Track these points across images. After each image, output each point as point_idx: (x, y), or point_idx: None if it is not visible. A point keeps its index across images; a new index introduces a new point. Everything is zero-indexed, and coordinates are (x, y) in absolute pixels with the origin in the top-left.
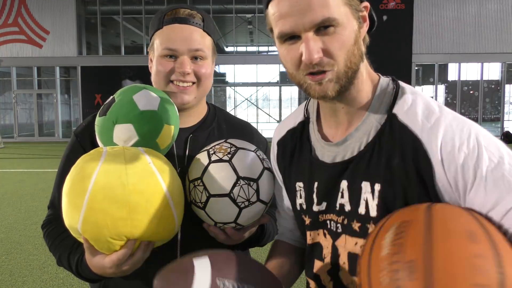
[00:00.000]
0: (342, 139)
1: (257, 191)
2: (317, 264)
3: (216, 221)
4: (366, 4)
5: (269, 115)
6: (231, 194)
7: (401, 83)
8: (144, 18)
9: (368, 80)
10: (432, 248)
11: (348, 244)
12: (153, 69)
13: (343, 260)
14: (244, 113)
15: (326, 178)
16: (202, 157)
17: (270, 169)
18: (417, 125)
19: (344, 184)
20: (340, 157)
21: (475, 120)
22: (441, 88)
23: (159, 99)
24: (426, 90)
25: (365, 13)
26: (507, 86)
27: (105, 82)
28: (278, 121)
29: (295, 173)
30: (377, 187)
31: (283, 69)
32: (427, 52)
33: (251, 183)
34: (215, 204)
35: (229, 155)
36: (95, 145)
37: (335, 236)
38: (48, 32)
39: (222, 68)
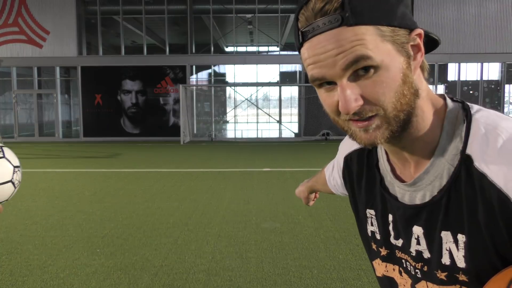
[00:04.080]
0: (412, 181)
1: None
2: None
3: None
4: (419, 31)
5: (269, 115)
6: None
7: (475, 111)
8: (144, 18)
9: (431, 112)
10: None
11: None
12: None
13: None
14: (244, 113)
15: (400, 216)
16: None
17: None
18: (498, 175)
19: (418, 230)
20: (409, 199)
21: None
22: (441, 88)
23: None
24: None
25: (419, 41)
26: (507, 86)
27: (105, 82)
28: (278, 121)
29: (365, 199)
30: (461, 238)
31: (283, 69)
32: (427, 52)
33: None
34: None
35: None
36: None
37: (414, 278)
38: (48, 32)
39: (222, 68)
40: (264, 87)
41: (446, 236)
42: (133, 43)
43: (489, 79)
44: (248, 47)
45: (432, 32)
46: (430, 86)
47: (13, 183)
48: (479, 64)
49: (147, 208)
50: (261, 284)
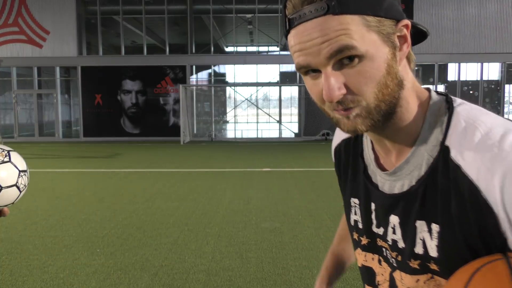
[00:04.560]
0: (392, 170)
1: None
2: None
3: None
4: (406, 22)
5: (269, 115)
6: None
7: (457, 104)
8: (144, 18)
9: (415, 103)
10: None
11: (406, 280)
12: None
13: None
14: (244, 113)
15: (379, 205)
16: None
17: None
18: (472, 168)
19: (395, 219)
20: (389, 188)
21: None
22: (441, 88)
23: None
24: None
25: (406, 32)
26: (507, 86)
27: (105, 82)
28: (278, 121)
29: (350, 188)
30: (435, 227)
31: (283, 69)
32: (427, 52)
33: None
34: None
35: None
36: None
37: (392, 267)
38: (48, 32)
39: (222, 68)
40: (264, 87)
41: (420, 225)
42: (133, 43)
43: (489, 79)
44: (248, 47)
45: (420, 24)
46: (430, 87)
47: (18, 187)
48: (479, 64)
49: (147, 208)
50: (261, 284)
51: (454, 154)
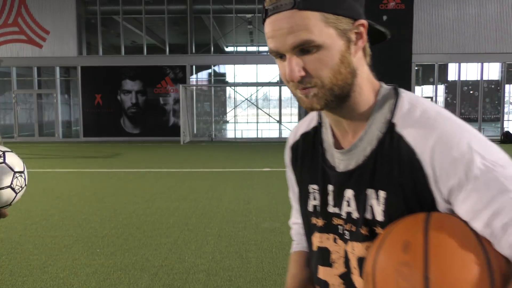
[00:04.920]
0: (348, 148)
1: None
2: (323, 270)
3: None
4: (363, 22)
5: (269, 115)
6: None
7: (402, 92)
8: (144, 18)
9: (369, 90)
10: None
11: (357, 250)
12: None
13: (353, 265)
14: (244, 113)
15: (336, 183)
16: None
17: None
18: (411, 136)
19: (349, 193)
20: (344, 165)
21: (475, 120)
22: (441, 88)
23: None
24: (426, 90)
25: (362, 30)
26: (507, 86)
27: (105, 82)
28: (278, 121)
29: (308, 176)
30: (382, 194)
31: None
32: (427, 52)
33: None
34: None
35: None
36: None
37: (345, 242)
38: (48, 32)
39: (222, 68)
40: (264, 87)
41: (370, 194)
42: (133, 43)
43: (489, 79)
44: (248, 47)
45: (379, 25)
46: (430, 86)
47: (12, 189)
48: (479, 64)
49: (147, 208)
50: (261, 284)
51: (399, 128)
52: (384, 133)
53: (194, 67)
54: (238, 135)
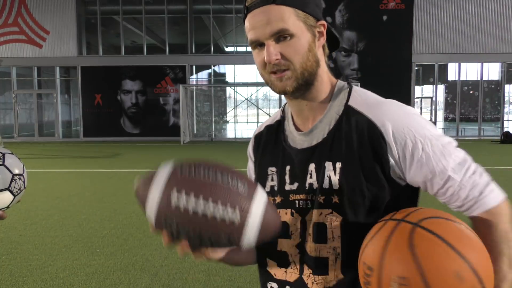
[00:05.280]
0: (309, 129)
1: None
2: (282, 242)
3: None
4: (323, 22)
5: (269, 115)
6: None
7: (354, 85)
8: (144, 18)
9: (328, 82)
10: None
11: (314, 216)
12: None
13: (309, 232)
14: (244, 113)
15: (297, 162)
16: None
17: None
18: (370, 111)
19: (312, 166)
20: (308, 143)
21: (475, 120)
22: (441, 88)
23: None
24: (426, 90)
25: (322, 29)
26: (507, 86)
27: (105, 82)
28: None
29: (269, 160)
30: (339, 165)
31: None
32: (427, 52)
33: None
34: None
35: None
36: None
37: (304, 212)
38: (48, 32)
39: (222, 68)
40: (264, 87)
41: (328, 165)
42: (133, 43)
43: (489, 79)
44: (248, 47)
45: (335, 31)
46: (430, 86)
47: (11, 191)
48: (479, 64)
49: None
50: None
51: (357, 106)
52: (341, 115)
53: (194, 67)
54: (238, 135)
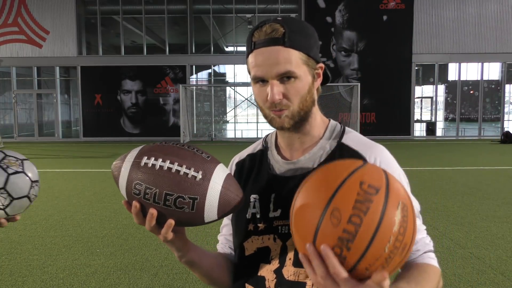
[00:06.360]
0: (299, 158)
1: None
2: (263, 267)
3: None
4: (321, 65)
5: None
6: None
7: (345, 127)
8: (144, 18)
9: (320, 120)
10: None
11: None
12: None
13: (290, 256)
14: (244, 113)
15: (284, 190)
16: None
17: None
18: (364, 150)
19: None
20: (294, 172)
21: (475, 120)
22: (441, 88)
23: None
24: (426, 90)
25: (320, 71)
26: (507, 86)
27: (105, 82)
28: None
29: (251, 187)
30: None
31: None
32: (427, 52)
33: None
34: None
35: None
36: None
37: (286, 237)
38: (48, 32)
39: (222, 68)
40: None
41: None
42: (133, 43)
43: (489, 79)
44: None
45: (328, 70)
46: (430, 86)
47: (29, 198)
48: (479, 64)
49: None
50: None
51: (350, 145)
52: (333, 150)
53: (194, 67)
54: (238, 135)
